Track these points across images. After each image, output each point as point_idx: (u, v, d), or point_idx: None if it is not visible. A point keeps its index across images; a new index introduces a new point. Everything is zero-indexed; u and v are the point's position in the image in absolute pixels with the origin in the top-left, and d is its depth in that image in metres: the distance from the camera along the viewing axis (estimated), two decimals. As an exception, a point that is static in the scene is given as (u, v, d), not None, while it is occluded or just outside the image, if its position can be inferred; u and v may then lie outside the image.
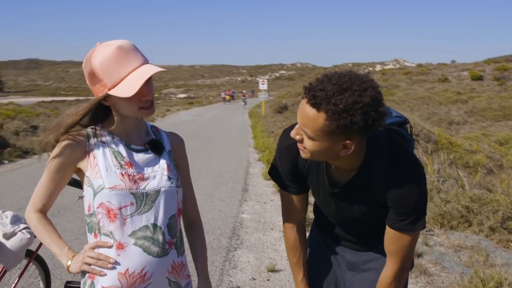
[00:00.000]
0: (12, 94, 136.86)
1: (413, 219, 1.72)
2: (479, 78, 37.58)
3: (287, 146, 1.89)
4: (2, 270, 2.96)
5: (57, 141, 1.72)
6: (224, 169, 10.76)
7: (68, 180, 1.80)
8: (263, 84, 32.54)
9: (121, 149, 1.75)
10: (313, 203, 2.22)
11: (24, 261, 3.14)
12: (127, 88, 1.60)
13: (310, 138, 1.59)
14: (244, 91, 59.29)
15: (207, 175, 9.98)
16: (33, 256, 3.18)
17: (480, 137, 14.36)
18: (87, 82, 1.70)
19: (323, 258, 2.16)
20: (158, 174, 1.77)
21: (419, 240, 5.48)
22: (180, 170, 1.91)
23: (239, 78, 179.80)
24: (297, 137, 1.65)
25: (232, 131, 21.22)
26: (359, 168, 1.75)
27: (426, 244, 5.35)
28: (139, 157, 1.78)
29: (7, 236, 2.86)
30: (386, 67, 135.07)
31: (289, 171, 1.94)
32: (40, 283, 3.38)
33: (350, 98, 1.47)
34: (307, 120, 1.56)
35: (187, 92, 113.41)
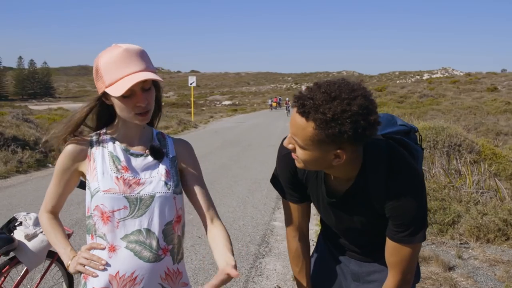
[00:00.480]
0: (63, 100, 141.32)
1: (411, 231, 1.67)
2: (531, 88, 36.38)
3: (285, 155, 1.86)
4: (24, 271, 3.04)
5: (65, 139, 1.80)
6: (261, 176, 10.75)
7: (75, 183, 1.88)
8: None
9: (119, 153, 1.80)
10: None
11: (47, 263, 3.21)
12: (119, 88, 1.64)
13: (301, 147, 1.58)
14: (287, 99, 55.80)
15: (243, 182, 10.01)
16: (56, 257, 3.24)
17: (527, 148, 13.86)
18: (94, 77, 1.76)
19: (329, 268, 2.13)
20: (154, 180, 1.78)
21: (452, 252, 5.33)
22: (188, 176, 1.90)
23: (284, 86, 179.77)
24: (290, 146, 1.64)
25: (273, 138, 21.20)
26: (356, 177, 1.71)
27: (460, 257, 5.19)
28: (137, 162, 1.81)
29: (29, 237, 2.93)
30: (434, 76, 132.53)
31: (288, 179, 1.92)
32: (63, 285, 3.43)
33: (338, 107, 1.44)
34: (297, 129, 1.55)
35: (232, 99, 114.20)
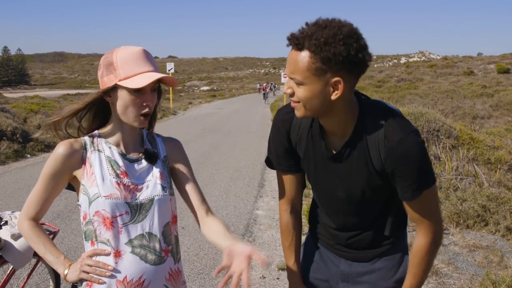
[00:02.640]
0: (39, 87, 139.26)
1: (422, 179, 1.68)
2: (506, 71, 36.96)
3: (280, 119, 1.94)
4: (11, 270, 3.02)
5: (57, 123, 1.77)
6: (242, 163, 10.79)
7: (63, 188, 1.81)
8: (285, 77, 32.44)
9: (117, 158, 1.78)
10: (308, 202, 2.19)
11: (33, 261, 3.19)
12: (137, 81, 1.66)
13: (300, 83, 1.60)
14: (265, 84, 49.80)
15: (225, 170, 10.03)
16: (42, 255, 3.21)
17: (503, 132, 14.11)
18: (100, 73, 1.75)
19: (316, 268, 2.11)
20: (151, 184, 1.79)
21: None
22: (180, 174, 1.92)
23: (262, 71, 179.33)
24: (288, 91, 1.66)
25: (253, 124, 21.23)
26: (354, 129, 1.74)
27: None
28: (134, 167, 1.80)
29: (15, 237, 2.91)
30: (411, 60, 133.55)
31: (282, 145, 1.94)
32: (50, 282, 3.42)
33: (330, 31, 1.51)
34: (294, 64, 1.58)
35: (210, 84, 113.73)
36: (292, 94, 1.65)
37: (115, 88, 1.70)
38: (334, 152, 1.80)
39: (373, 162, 1.74)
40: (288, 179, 2.02)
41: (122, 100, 1.71)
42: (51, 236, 3.12)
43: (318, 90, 1.59)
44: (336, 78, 1.57)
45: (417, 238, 1.81)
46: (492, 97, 24.84)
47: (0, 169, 10.08)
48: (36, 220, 1.79)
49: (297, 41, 1.56)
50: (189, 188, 1.91)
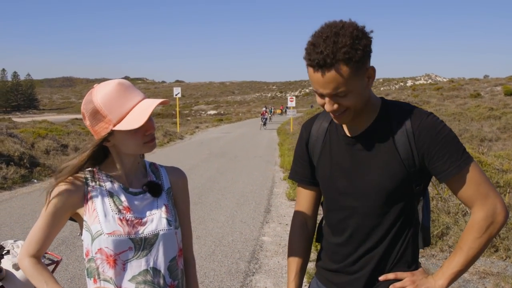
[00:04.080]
0: (47, 112, 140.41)
1: (460, 151, 1.66)
2: (513, 93, 36.79)
3: (302, 127, 2.03)
4: (12, 300, 2.97)
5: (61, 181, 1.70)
6: (248, 188, 10.74)
7: (64, 224, 1.77)
8: (291, 101, 32.53)
9: (120, 193, 1.74)
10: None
11: (35, 290, 3.15)
12: (134, 120, 1.60)
13: (348, 92, 1.62)
14: (264, 109, 43.97)
15: (231, 195, 9.97)
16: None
17: (512, 155, 13.97)
18: (88, 123, 1.68)
19: None
20: (156, 217, 1.75)
21: (443, 266, 5.32)
22: (179, 207, 1.89)
23: (269, 95, 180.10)
24: (335, 107, 1.67)
25: (259, 149, 21.20)
26: (378, 113, 1.77)
27: (450, 271, 5.18)
28: (138, 201, 1.76)
29: (17, 267, 2.87)
30: (417, 82, 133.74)
31: (300, 150, 2.02)
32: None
33: (346, 34, 1.55)
34: (335, 81, 1.59)
35: (217, 108, 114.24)
36: (336, 110, 1.68)
37: (112, 133, 1.65)
38: (356, 136, 1.80)
39: (398, 149, 1.71)
40: (303, 193, 2.05)
41: (123, 140, 1.67)
42: (54, 266, 3.08)
43: (362, 88, 1.65)
44: (370, 68, 1.65)
45: (471, 216, 1.70)
46: (500, 119, 24.72)
47: (7, 194, 10.09)
48: (38, 257, 1.73)
49: (327, 60, 1.55)
50: (182, 228, 1.89)
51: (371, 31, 1.64)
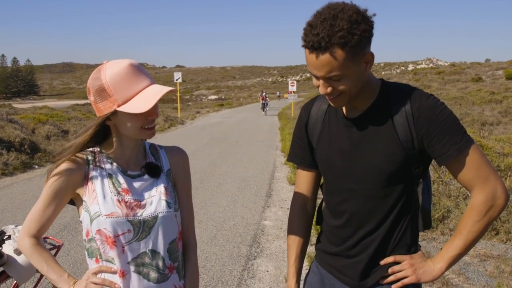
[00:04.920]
0: (47, 98, 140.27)
1: (460, 133, 1.64)
2: (515, 77, 36.65)
3: (302, 109, 2.03)
4: (14, 285, 2.99)
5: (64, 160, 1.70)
6: (250, 173, 10.75)
7: (65, 204, 1.76)
8: (292, 85, 32.43)
9: (119, 175, 1.73)
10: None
11: (37, 276, 3.16)
12: (139, 105, 1.58)
13: (342, 77, 1.61)
14: (264, 93, 41.28)
15: (232, 179, 9.98)
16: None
17: (513, 139, 13.95)
18: (92, 99, 1.66)
19: None
20: (155, 199, 1.74)
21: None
22: (179, 188, 1.88)
23: (270, 79, 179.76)
24: (328, 90, 1.66)
25: (261, 133, 21.18)
26: (377, 95, 1.76)
27: (450, 254, 5.20)
28: (137, 183, 1.75)
29: (18, 252, 2.88)
30: (418, 67, 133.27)
31: (299, 131, 2.02)
32: (54, 295, 3.38)
33: (345, 18, 1.53)
34: (329, 64, 1.58)
35: (218, 93, 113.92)
36: (331, 92, 1.67)
37: (114, 113, 1.63)
38: (355, 117, 1.79)
39: (397, 131, 1.70)
40: (302, 175, 2.06)
41: (125, 122, 1.65)
42: (55, 250, 3.09)
43: (358, 73, 1.63)
44: (368, 53, 1.62)
45: (471, 199, 1.68)
46: (501, 103, 24.66)
47: (8, 180, 10.10)
48: (37, 237, 1.72)
49: (322, 43, 1.54)
50: (183, 209, 1.88)
51: (373, 15, 1.61)
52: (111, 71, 1.61)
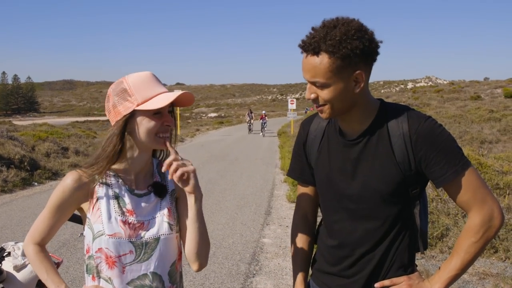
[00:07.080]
0: (48, 115, 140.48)
1: (458, 155, 1.66)
2: (513, 95, 36.76)
3: (301, 125, 2.06)
4: (13, 301, 2.99)
5: (100, 174, 1.71)
6: (249, 190, 10.75)
7: (69, 216, 1.79)
8: (292, 103, 32.48)
9: (125, 195, 1.74)
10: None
11: (36, 292, 3.16)
12: (158, 101, 1.65)
13: (323, 86, 1.65)
14: (264, 112, 37.38)
15: (231, 197, 9.99)
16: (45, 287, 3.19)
17: (512, 157, 13.97)
18: (111, 104, 1.70)
19: None
20: (157, 220, 1.75)
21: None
22: (182, 208, 1.83)
23: (269, 97, 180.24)
24: (312, 96, 1.70)
25: (260, 151, 21.20)
26: (375, 117, 1.77)
27: (449, 272, 5.19)
28: (142, 203, 1.76)
29: (18, 268, 2.88)
30: (418, 85, 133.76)
31: (298, 147, 2.04)
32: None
33: (342, 29, 1.57)
34: (314, 69, 1.63)
35: (218, 111, 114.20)
36: (316, 99, 1.70)
37: (132, 116, 1.67)
38: (352, 139, 1.80)
39: (395, 153, 1.72)
40: (302, 190, 2.09)
41: (142, 126, 1.67)
42: (54, 267, 3.09)
43: (343, 88, 1.65)
44: (358, 72, 1.63)
45: (468, 220, 1.70)
46: (500, 122, 24.70)
47: (7, 197, 10.10)
48: (42, 244, 1.77)
49: (312, 46, 1.61)
50: (183, 229, 1.82)
51: (380, 41, 1.66)
52: (133, 76, 1.71)
